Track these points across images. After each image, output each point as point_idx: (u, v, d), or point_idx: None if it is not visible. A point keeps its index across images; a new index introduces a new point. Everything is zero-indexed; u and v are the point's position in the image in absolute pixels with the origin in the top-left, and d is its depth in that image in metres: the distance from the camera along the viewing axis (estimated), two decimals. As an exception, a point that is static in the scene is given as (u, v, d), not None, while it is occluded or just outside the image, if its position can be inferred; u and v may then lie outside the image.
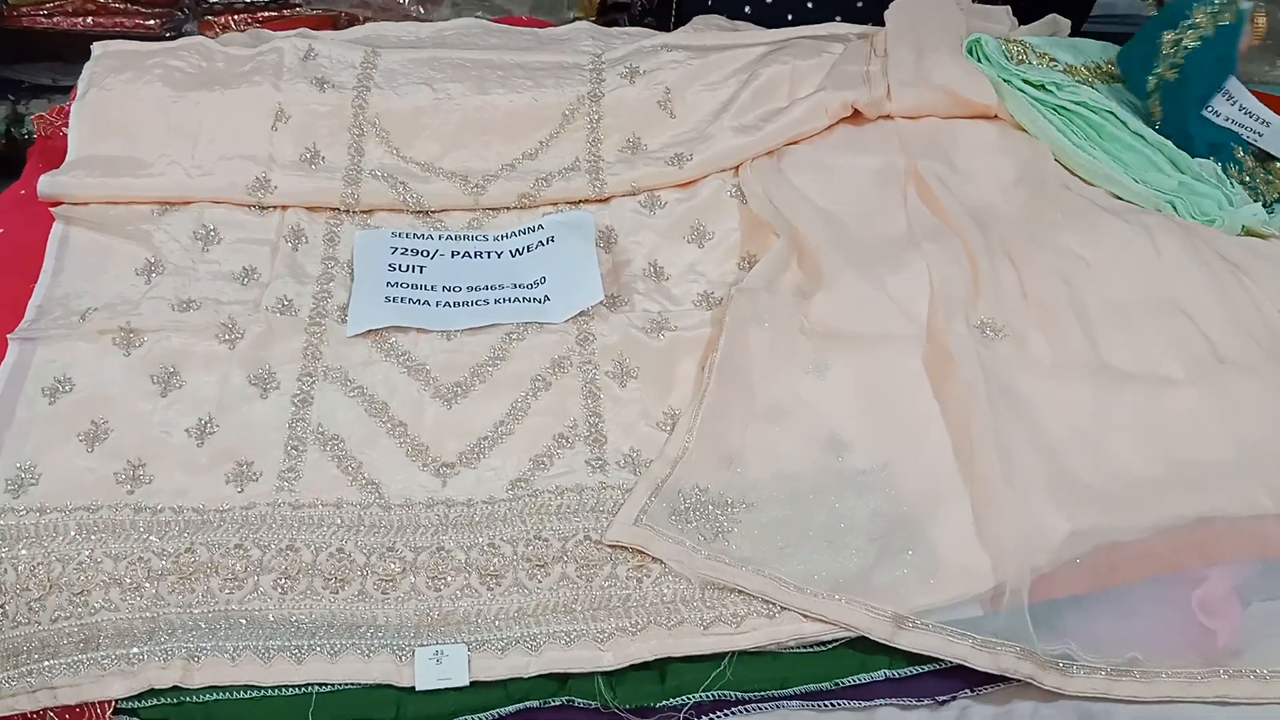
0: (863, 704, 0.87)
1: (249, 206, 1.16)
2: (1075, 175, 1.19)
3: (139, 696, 0.84)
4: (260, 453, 0.96)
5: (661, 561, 0.90)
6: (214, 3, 2.17)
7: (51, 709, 0.84)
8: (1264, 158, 1.24)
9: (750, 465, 0.95)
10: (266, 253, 1.13)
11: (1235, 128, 1.20)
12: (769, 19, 1.43)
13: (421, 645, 0.86)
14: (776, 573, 0.88)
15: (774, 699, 0.87)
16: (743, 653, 0.87)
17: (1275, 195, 1.21)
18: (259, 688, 0.85)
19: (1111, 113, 1.20)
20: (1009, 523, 0.88)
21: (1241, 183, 1.20)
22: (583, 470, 0.96)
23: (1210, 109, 1.19)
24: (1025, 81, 1.22)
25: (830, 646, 0.87)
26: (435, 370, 1.03)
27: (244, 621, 0.87)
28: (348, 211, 1.18)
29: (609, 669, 0.86)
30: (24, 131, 2.31)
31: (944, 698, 0.87)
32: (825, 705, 0.87)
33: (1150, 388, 0.98)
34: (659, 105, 1.25)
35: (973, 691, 0.88)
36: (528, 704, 0.86)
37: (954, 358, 0.99)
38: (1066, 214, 1.13)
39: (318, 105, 1.21)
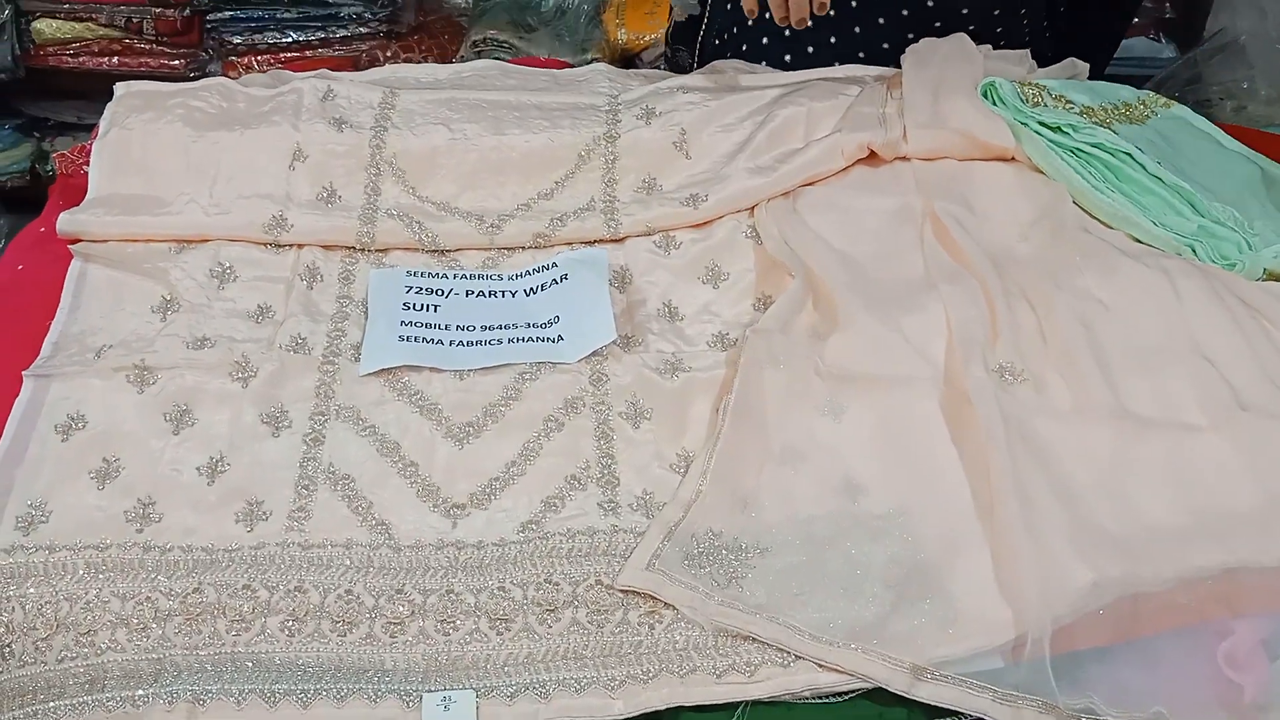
0: (880, 756, 0.85)
1: (265, 245, 1.16)
2: (1094, 218, 1.18)
3: (143, 739, 0.83)
4: (270, 492, 0.95)
5: (674, 607, 0.88)
6: (238, 44, 2.21)
7: (55, 751, 0.83)
8: None
9: (765, 509, 0.94)
10: (281, 291, 1.13)
11: None
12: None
13: (429, 690, 0.84)
14: (791, 620, 0.86)
15: (788, 750, 0.85)
16: (757, 702, 0.85)
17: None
18: (264, 732, 0.83)
19: (1129, 155, 1.19)
20: (1030, 572, 0.86)
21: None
22: (595, 513, 0.95)
23: None
24: (1041, 124, 1.22)
25: (847, 697, 0.85)
26: (447, 410, 1.03)
27: (250, 664, 0.85)
28: (363, 250, 1.18)
29: (620, 717, 0.84)
30: (48, 169, 2.34)
31: (963, 751, 0.85)
32: (841, 757, 0.85)
33: (1173, 435, 0.96)
34: (674, 146, 1.25)
35: (992, 745, 0.85)
36: (536, 752, 0.84)
37: (972, 401, 0.97)
38: (1085, 257, 1.12)
39: (335, 145, 1.22)
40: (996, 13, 1.41)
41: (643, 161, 1.24)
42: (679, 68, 1.63)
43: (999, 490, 0.91)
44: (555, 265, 1.15)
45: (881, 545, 0.91)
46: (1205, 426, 0.97)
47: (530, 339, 1.08)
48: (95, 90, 1.59)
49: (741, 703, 0.85)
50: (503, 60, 1.45)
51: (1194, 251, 1.14)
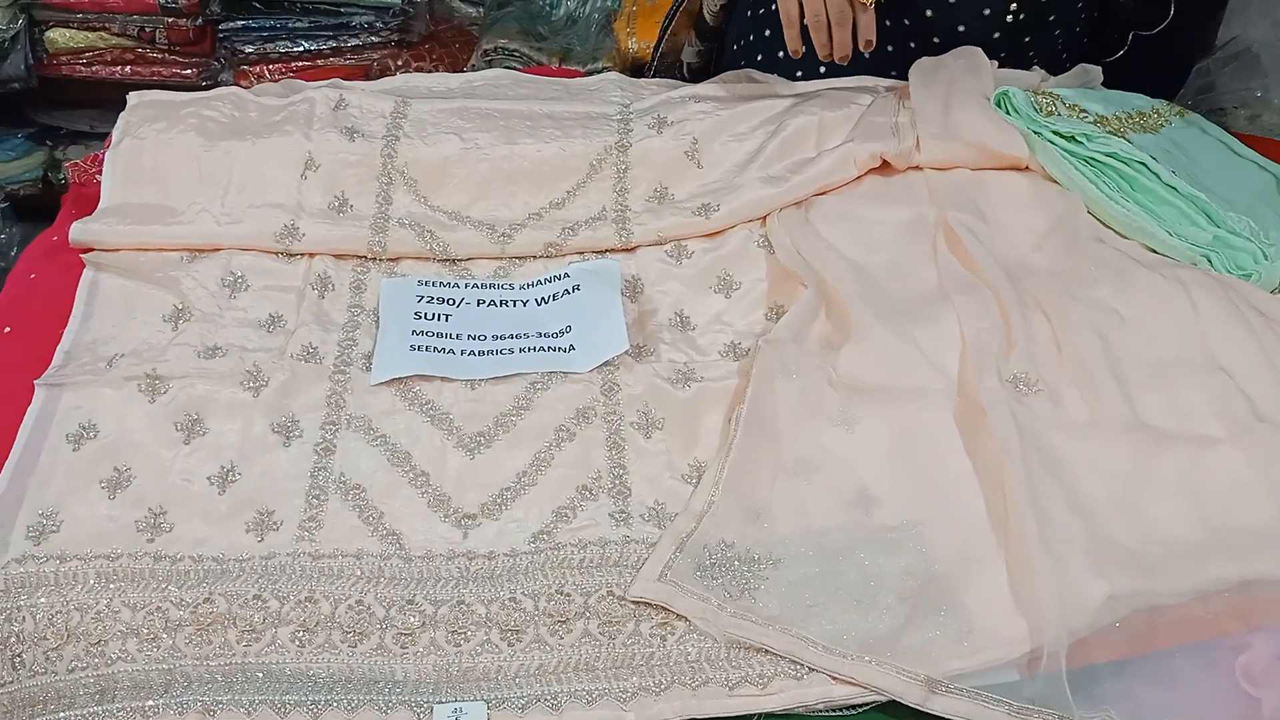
0: (894, 770, 0.84)
1: (277, 254, 1.17)
2: (1108, 228, 1.18)
3: (153, 750, 0.83)
4: (281, 502, 0.95)
5: (686, 619, 0.88)
6: (249, 53, 2.22)
7: (65, 761, 0.83)
8: None
9: (777, 520, 0.93)
10: (293, 300, 1.13)
11: None
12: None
13: (440, 702, 0.84)
14: (804, 632, 0.86)
15: (801, 763, 0.84)
16: (769, 714, 0.84)
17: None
18: (274, 743, 0.83)
19: (1143, 164, 1.19)
20: (1045, 585, 0.86)
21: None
22: (606, 523, 0.94)
23: None
24: (1055, 133, 1.21)
25: (860, 710, 0.85)
26: (459, 420, 1.02)
27: (261, 675, 0.85)
28: (375, 259, 1.18)
29: (631, 729, 0.84)
30: (61, 177, 2.35)
31: (978, 764, 0.84)
32: (855, 770, 0.84)
33: (1190, 447, 0.95)
34: (686, 155, 1.25)
35: (1008, 759, 0.84)
36: (548, 764, 0.84)
37: (986, 413, 0.97)
38: (1101, 267, 1.11)
39: (347, 154, 1.22)
40: (997, 36, 1.38)
41: (654, 171, 1.24)
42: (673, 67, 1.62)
43: (1014, 502, 0.91)
44: (567, 275, 1.14)
45: (895, 557, 0.90)
46: (1222, 439, 0.96)
47: (542, 349, 1.08)
48: (107, 99, 1.60)
49: (754, 715, 0.84)
50: (514, 69, 1.46)
51: (1209, 262, 1.13)
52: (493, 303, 1.13)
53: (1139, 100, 1.32)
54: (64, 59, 2.25)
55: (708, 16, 1.54)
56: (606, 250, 1.20)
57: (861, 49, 1.19)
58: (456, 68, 2.25)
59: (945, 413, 0.99)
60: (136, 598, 0.89)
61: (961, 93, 1.27)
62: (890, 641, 0.85)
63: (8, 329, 1.11)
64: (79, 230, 1.16)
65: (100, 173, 1.23)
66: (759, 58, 1.47)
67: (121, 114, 1.27)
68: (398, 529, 0.94)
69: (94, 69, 2.26)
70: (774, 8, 1.21)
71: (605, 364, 1.06)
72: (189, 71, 2.24)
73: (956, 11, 1.34)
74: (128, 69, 2.24)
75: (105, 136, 1.26)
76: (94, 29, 2.21)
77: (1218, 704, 0.84)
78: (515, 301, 1.14)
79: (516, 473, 0.99)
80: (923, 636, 0.85)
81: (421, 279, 1.15)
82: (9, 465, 0.97)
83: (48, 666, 0.86)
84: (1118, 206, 1.17)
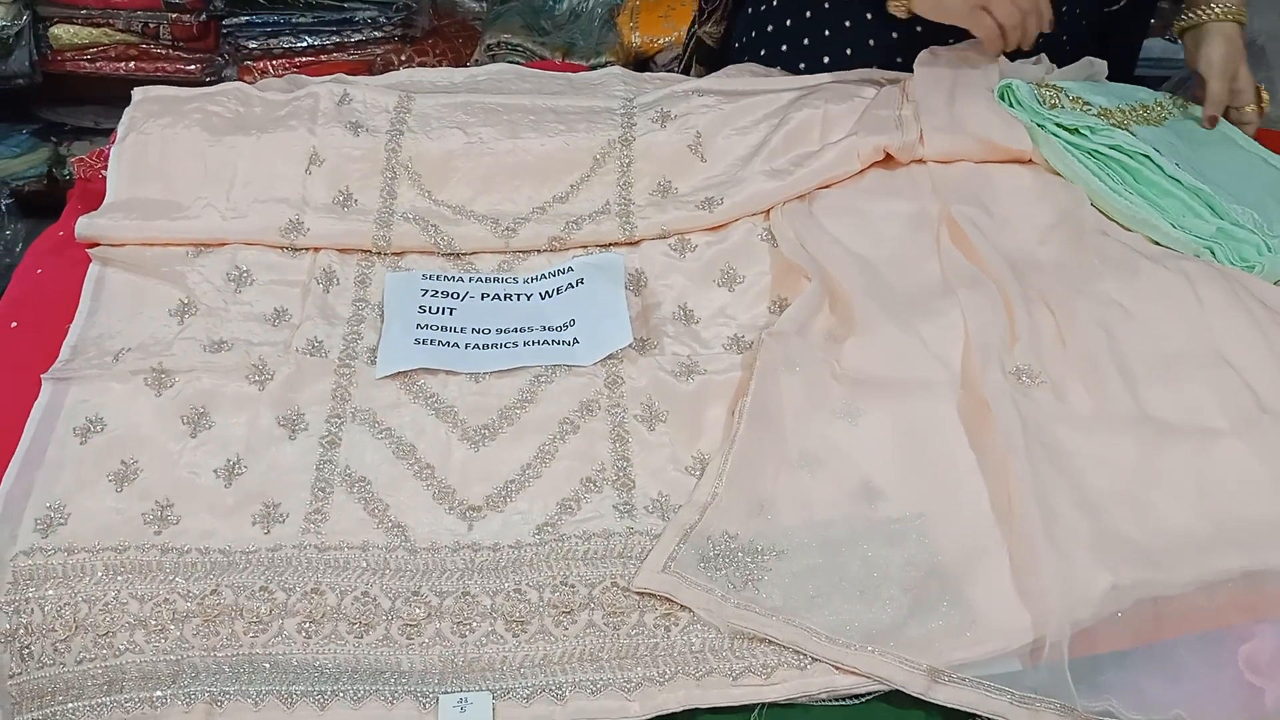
0: (897, 759, 0.84)
1: (282, 248, 1.17)
2: (1113, 220, 1.18)
3: (161, 740, 0.83)
4: (287, 494, 0.96)
5: (690, 610, 0.88)
6: (253, 49, 2.22)
7: (74, 751, 0.83)
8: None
9: (781, 512, 0.94)
10: (298, 294, 1.13)
11: None
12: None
13: (446, 692, 0.85)
14: (807, 623, 0.86)
15: (805, 753, 0.84)
16: (773, 704, 0.85)
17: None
18: (281, 733, 0.83)
19: (1147, 156, 1.19)
20: (1048, 575, 0.86)
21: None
22: (610, 515, 0.95)
23: None
24: (1059, 125, 1.21)
25: (863, 700, 0.85)
26: (463, 413, 1.03)
27: (268, 665, 0.86)
28: (379, 254, 1.18)
29: (636, 719, 0.84)
30: (66, 173, 2.36)
31: (981, 754, 0.85)
32: (858, 760, 0.85)
33: (1195, 440, 0.96)
34: (690, 149, 1.25)
35: (1011, 748, 0.85)
36: (552, 754, 0.84)
37: (990, 405, 0.97)
38: (1105, 260, 1.11)
39: (351, 149, 1.22)
40: None
41: (658, 165, 1.24)
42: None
43: (1017, 493, 0.91)
44: (571, 269, 1.15)
45: (899, 549, 0.90)
46: (1226, 431, 0.96)
47: (546, 342, 1.08)
48: (112, 95, 1.60)
49: (758, 705, 0.85)
50: (517, 64, 1.46)
51: (1213, 254, 1.13)
52: (497, 296, 1.14)
53: (1142, 93, 1.32)
54: (68, 55, 2.25)
55: (708, 39, 1.55)
56: (610, 244, 1.20)
57: (1047, 29, 1.22)
58: (460, 63, 2.25)
59: (949, 405, 0.99)
60: (144, 589, 0.89)
61: (965, 85, 1.27)
62: (893, 632, 0.86)
63: (15, 324, 1.12)
64: (85, 225, 1.17)
65: (105, 168, 1.23)
66: (762, 52, 1.47)
67: (126, 109, 1.27)
68: (403, 521, 0.95)
69: (98, 65, 2.26)
70: (775, 2, 1.21)
71: (609, 357, 1.06)
72: (193, 67, 2.24)
73: None
74: (132, 65, 2.24)
75: (110, 132, 1.26)
76: (98, 25, 2.22)
77: (1221, 694, 0.84)
78: (519, 295, 1.14)
79: (521, 465, 0.99)
80: (925, 627, 0.86)
81: (426, 273, 1.16)
82: (16, 459, 0.97)
83: (56, 658, 0.87)
84: (1121, 199, 1.17)
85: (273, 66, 2.20)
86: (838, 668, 0.85)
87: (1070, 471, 0.93)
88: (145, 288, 1.14)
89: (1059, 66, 1.34)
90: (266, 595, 0.89)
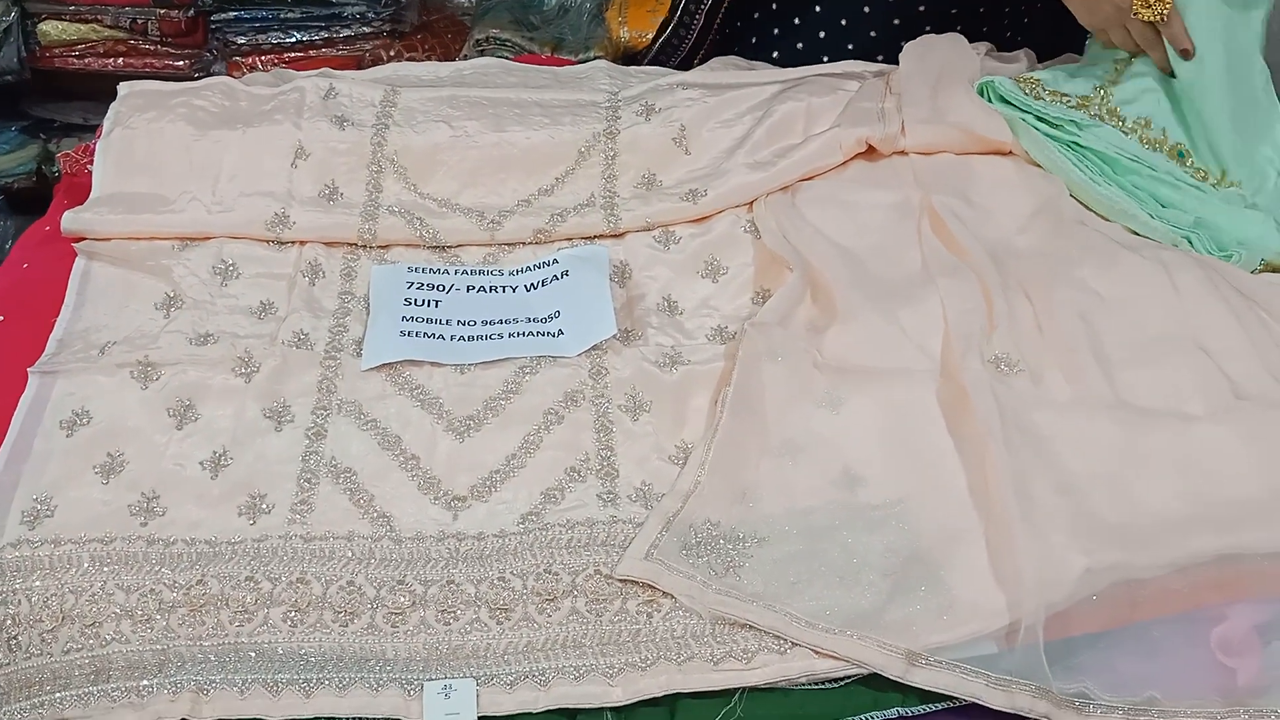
0: (875, 742, 0.85)
1: (268, 242, 1.17)
2: (1092, 211, 1.19)
3: (148, 729, 0.84)
4: (273, 485, 0.96)
5: (672, 596, 0.89)
6: (242, 44, 2.22)
7: (61, 740, 0.84)
8: None
9: (763, 500, 0.95)
10: (284, 287, 1.14)
11: None
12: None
13: (430, 679, 0.85)
14: (788, 608, 0.87)
15: (784, 736, 0.85)
16: (753, 689, 0.86)
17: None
18: (267, 721, 0.84)
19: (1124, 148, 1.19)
20: (1024, 558, 0.87)
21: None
22: (594, 504, 0.96)
23: None
24: (1039, 119, 1.22)
25: (843, 683, 0.86)
26: (448, 404, 1.03)
27: (253, 654, 0.87)
28: (365, 247, 1.19)
29: (618, 704, 0.85)
30: (54, 169, 2.35)
31: (958, 736, 0.86)
32: (837, 743, 0.85)
33: (1171, 424, 0.97)
34: (674, 142, 1.26)
35: (988, 730, 0.86)
36: (535, 739, 0.85)
37: (969, 393, 0.98)
38: (1083, 250, 1.12)
39: (337, 143, 1.23)
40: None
41: (643, 158, 1.25)
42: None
43: (994, 479, 0.92)
44: (556, 261, 1.16)
45: (878, 535, 0.91)
46: (1203, 416, 0.98)
47: (531, 333, 1.09)
48: (101, 91, 1.60)
49: (739, 689, 0.86)
50: (506, 59, 1.46)
51: (1190, 243, 1.14)
52: (482, 289, 1.15)
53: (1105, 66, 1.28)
54: (57, 51, 2.25)
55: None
56: (595, 236, 1.21)
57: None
58: (449, 58, 2.25)
59: (929, 393, 1.00)
60: (130, 580, 0.90)
61: (948, 77, 1.28)
62: (873, 617, 0.87)
63: (1, 318, 1.12)
64: (71, 220, 1.17)
65: (92, 163, 1.24)
66: (753, 40, 1.48)
67: (112, 104, 1.27)
68: (388, 511, 0.96)
69: (87, 61, 2.25)
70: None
71: (593, 348, 1.07)
72: (181, 63, 2.24)
73: None
74: (120, 61, 2.24)
75: (98, 128, 1.27)
76: (86, 21, 2.21)
77: (1194, 674, 0.85)
78: (505, 287, 1.15)
79: (505, 455, 1.00)
80: (904, 611, 0.87)
81: (412, 265, 1.16)
82: (3, 452, 0.98)
83: (43, 648, 0.87)
84: (1100, 189, 1.18)
85: (261, 62, 2.19)
86: (817, 652, 0.86)
87: (1048, 456, 0.94)
88: (131, 281, 1.14)
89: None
90: (252, 585, 0.90)
